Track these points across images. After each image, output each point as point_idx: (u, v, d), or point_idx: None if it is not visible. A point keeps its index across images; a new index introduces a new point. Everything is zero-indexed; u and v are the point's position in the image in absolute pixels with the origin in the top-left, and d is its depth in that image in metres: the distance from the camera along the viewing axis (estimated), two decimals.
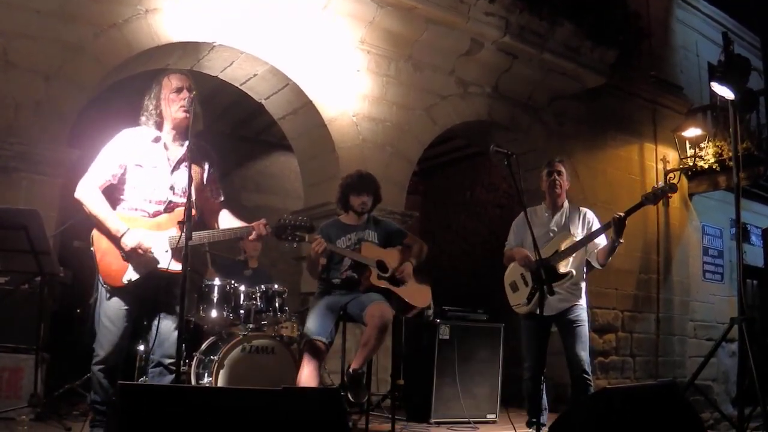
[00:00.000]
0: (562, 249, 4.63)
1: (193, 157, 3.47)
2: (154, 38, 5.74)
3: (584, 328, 4.73)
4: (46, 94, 5.21)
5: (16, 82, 5.12)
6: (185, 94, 3.51)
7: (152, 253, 3.38)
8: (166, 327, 3.49)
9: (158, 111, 3.55)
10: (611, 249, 4.62)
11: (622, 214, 4.46)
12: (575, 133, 8.62)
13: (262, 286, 5.29)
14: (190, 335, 5.18)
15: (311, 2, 6.49)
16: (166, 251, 3.42)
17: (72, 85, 5.36)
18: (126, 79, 6.14)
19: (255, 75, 6.65)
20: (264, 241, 6.16)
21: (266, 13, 6.31)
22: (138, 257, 3.36)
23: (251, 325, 5.11)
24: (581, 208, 4.99)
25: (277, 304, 5.27)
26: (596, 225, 4.79)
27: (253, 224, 3.61)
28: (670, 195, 7.89)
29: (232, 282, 5.22)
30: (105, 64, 5.55)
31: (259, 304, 5.20)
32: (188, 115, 3.45)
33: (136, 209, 3.47)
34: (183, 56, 6.24)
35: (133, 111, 3.64)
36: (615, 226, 4.47)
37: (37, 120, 5.14)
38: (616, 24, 8.33)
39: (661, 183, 4.65)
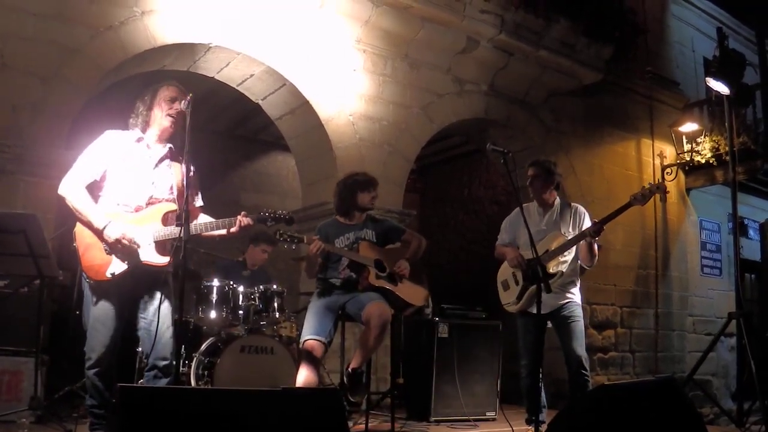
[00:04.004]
0: (552, 248, 4.64)
1: (174, 158, 3.60)
2: (151, 40, 5.74)
3: (579, 324, 4.72)
4: (42, 97, 5.21)
5: (13, 85, 5.12)
6: (177, 105, 3.59)
7: (136, 243, 3.40)
8: (156, 327, 3.49)
9: (148, 114, 3.63)
10: (589, 248, 4.61)
11: (598, 222, 4.50)
12: (572, 129, 8.64)
13: (261, 287, 5.29)
14: (190, 336, 5.18)
15: (307, 2, 6.49)
16: (149, 244, 3.45)
17: (69, 87, 5.35)
18: (123, 81, 6.14)
19: (251, 75, 6.65)
20: (270, 251, 6.22)
21: (262, 14, 6.30)
22: (122, 249, 3.38)
23: (250, 326, 5.11)
24: (572, 204, 4.97)
25: (275, 305, 5.28)
26: (587, 221, 4.77)
27: (235, 217, 3.65)
28: (667, 192, 7.81)
29: (231, 283, 5.23)
30: (101, 66, 5.54)
31: (257, 304, 5.21)
32: (172, 125, 3.60)
33: (118, 204, 3.51)
34: (179, 57, 6.24)
35: (130, 112, 3.67)
36: (593, 231, 4.50)
37: (34, 122, 5.14)
38: (612, 20, 8.33)
39: (650, 183, 4.64)
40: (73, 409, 4.96)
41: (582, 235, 4.58)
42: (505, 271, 4.94)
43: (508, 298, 4.85)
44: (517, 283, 4.79)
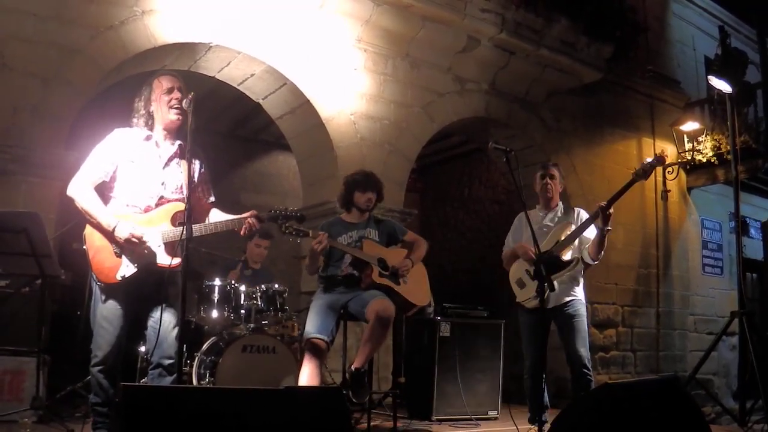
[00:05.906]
0: (563, 238, 4.67)
1: (183, 156, 3.52)
2: (151, 39, 5.74)
3: (583, 323, 4.73)
4: (43, 98, 5.21)
5: (14, 86, 5.12)
6: (176, 94, 3.54)
7: (146, 242, 3.37)
8: (163, 327, 3.48)
9: (149, 112, 3.57)
10: (601, 239, 4.62)
11: (604, 203, 4.52)
12: (573, 128, 8.63)
13: (263, 286, 5.29)
14: (192, 336, 5.18)
15: (308, 1, 6.48)
16: (159, 246, 3.43)
17: (69, 88, 5.35)
18: (123, 81, 6.13)
19: (252, 75, 6.65)
20: (269, 245, 6.22)
21: (263, 13, 6.30)
22: (132, 249, 3.36)
23: (252, 325, 5.11)
24: (575, 208, 5.04)
25: (277, 304, 5.27)
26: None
27: (243, 215, 3.62)
28: (666, 161, 7.27)
29: (233, 282, 5.22)
30: (102, 66, 5.54)
31: (259, 303, 5.21)
32: (180, 117, 3.53)
33: (127, 205, 3.48)
34: (180, 57, 6.24)
35: (131, 112, 3.65)
36: (602, 215, 4.52)
37: (35, 123, 5.14)
38: (612, 19, 8.32)
39: (648, 158, 4.66)
40: (75, 408, 4.97)
41: (594, 216, 4.60)
42: (517, 271, 4.89)
43: (527, 295, 4.76)
44: (532, 278, 4.73)
